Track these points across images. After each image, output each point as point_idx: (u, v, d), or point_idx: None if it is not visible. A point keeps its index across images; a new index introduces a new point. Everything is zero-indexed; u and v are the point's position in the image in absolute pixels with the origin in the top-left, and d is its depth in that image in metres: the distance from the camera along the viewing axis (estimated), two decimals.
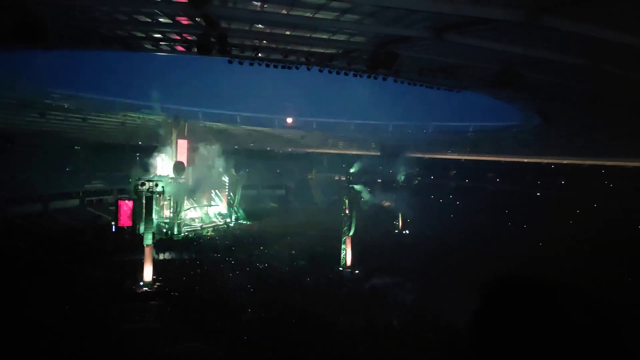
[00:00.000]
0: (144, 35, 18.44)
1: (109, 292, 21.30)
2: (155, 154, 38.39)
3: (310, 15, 13.08)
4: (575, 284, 1.06)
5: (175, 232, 35.29)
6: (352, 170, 47.42)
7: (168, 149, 38.54)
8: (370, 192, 46.49)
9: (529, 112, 28.64)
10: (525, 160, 47.45)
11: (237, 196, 43.19)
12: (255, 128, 49.22)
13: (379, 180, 49.43)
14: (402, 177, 43.83)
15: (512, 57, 14.18)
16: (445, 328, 16.81)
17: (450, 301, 20.36)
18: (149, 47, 19.93)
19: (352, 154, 58.11)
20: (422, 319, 19.04)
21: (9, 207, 32.86)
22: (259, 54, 19.98)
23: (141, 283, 23.02)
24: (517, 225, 39.11)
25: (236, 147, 47.63)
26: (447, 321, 17.50)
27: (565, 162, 43.45)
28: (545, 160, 45.66)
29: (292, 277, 25.40)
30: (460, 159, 54.91)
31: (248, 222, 42.71)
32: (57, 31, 15.65)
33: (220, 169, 42.83)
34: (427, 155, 53.54)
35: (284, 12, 13.01)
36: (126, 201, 32.48)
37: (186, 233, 36.78)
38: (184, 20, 15.51)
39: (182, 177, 37.50)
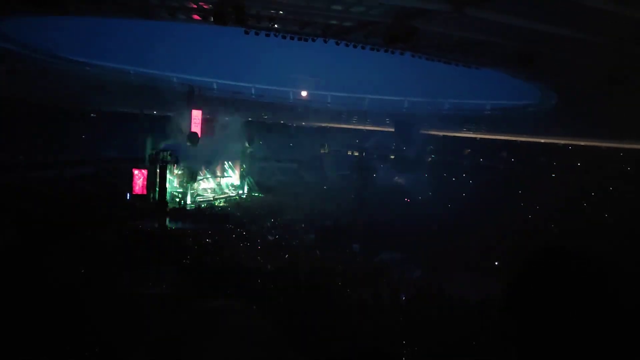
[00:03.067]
0: (159, 3, 18.34)
1: (122, 258, 21.79)
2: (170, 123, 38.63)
3: None
4: (602, 257, 1.03)
5: (188, 202, 35.71)
6: (365, 146, 47.32)
7: (183, 118, 38.71)
8: (382, 168, 46.47)
9: (547, 91, 28.14)
10: (542, 140, 46.77)
11: (249, 168, 43.41)
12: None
13: (392, 157, 49.28)
14: (415, 154, 43.60)
15: (533, 34, 13.86)
16: (452, 302, 17.01)
17: (457, 277, 20.57)
18: (165, 15, 19.83)
19: (366, 130, 57.86)
20: (429, 293, 19.25)
21: (25, 172, 33.45)
22: (275, 25, 19.78)
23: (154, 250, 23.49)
24: (530, 206, 38.88)
25: (250, 119, 47.62)
26: (454, 296, 17.69)
27: (582, 143, 42.69)
28: (562, 142, 44.92)
29: (302, 249, 25.72)
30: (475, 138, 54.34)
31: (260, 195, 43.01)
32: None
33: (234, 141, 43.00)
34: (441, 133, 53.03)
35: None
36: (141, 170, 32.88)
37: (199, 203, 37.22)
38: None
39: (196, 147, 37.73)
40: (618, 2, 9.82)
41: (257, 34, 20.91)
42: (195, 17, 20.18)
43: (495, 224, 31.87)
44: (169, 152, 30.06)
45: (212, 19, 17.04)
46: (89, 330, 12.80)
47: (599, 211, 32.12)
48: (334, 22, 18.86)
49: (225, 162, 44.54)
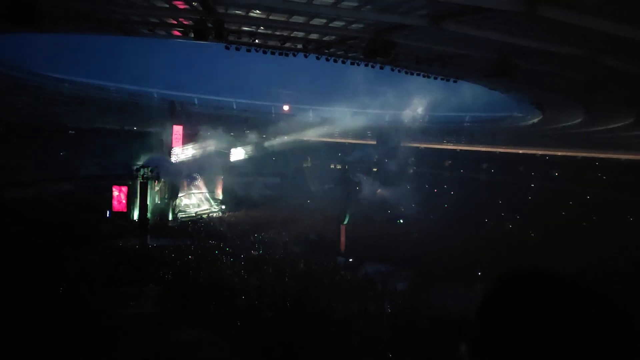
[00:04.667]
0: (139, 20, 18.27)
1: (103, 276, 21.34)
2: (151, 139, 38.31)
3: (308, 2, 12.99)
4: (577, 275, 1.04)
5: (170, 218, 35.27)
6: (347, 159, 47.51)
7: (164, 134, 38.44)
8: (365, 181, 46.62)
9: (525, 103, 28.71)
10: (520, 151, 47.63)
11: (232, 183, 43.17)
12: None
13: (375, 170, 49.50)
14: (398, 167, 43.92)
15: (509, 47, 14.18)
16: (436, 315, 17.02)
17: (441, 289, 20.62)
18: (145, 31, 19.76)
19: (348, 143, 58.12)
20: (413, 306, 19.26)
21: (2, 190, 32.67)
22: (256, 40, 19.85)
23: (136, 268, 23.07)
24: (510, 215, 39.42)
25: (232, 134, 47.45)
26: (438, 308, 17.73)
27: (559, 153, 43.66)
28: (540, 152, 45.84)
29: (286, 263, 25.55)
30: (456, 149, 55.04)
31: (242, 209, 42.74)
32: (50, 14, 15.46)
33: (216, 156, 42.77)
34: (422, 145, 53.60)
35: None
36: (121, 187, 32.41)
37: (181, 219, 36.79)
38: (181, 5, 15.36)
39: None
40: (592, 16, 10.12)
41: (237, 49, 20.96)
42: (176, 32, 20.16)
43: (478, 234, 32.21)
44: (149, 168, 29.72)
45: (192, 35, 17.02)
46: (65, 350, 12.47)
47: (578, 218, 32.71)
48: (314, 37, 19.01)
49: (207, 177, 44.25)
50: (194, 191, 42.99)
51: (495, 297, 1.08)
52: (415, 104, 41.97)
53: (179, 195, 38.83)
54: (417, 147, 52.84)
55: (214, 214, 41.01)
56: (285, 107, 56.57)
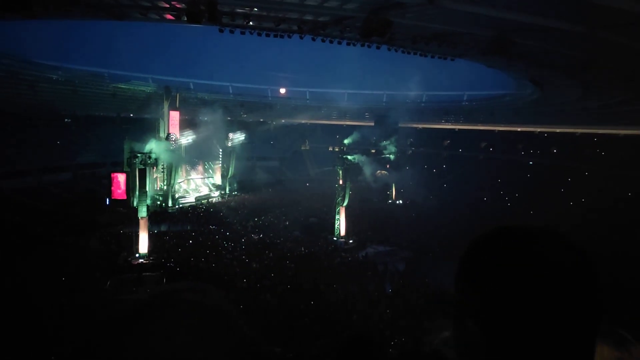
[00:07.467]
0: (131, 3, 17.99)
1: (104, 263, 21.45)
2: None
3: None
4: (567, 235, 1.02)
5: (170, 204, 35.26)
6: (345, 141, 47.32)
7: (161, 120, 38.20)
8: (363, 162, 46.57)
9: (523, 80, 28.52)
10: (519, 129, 47.53)
11: (230, 168, 43.08)
12: None
13: (373, 151, 49.39)
14: (396, 148, 43.76)
15: (506, 23, 14.01)
16: (436, 294, 17.17)
17: (440, 268, 20.75)
18: (137, 15, 19.48)
19: (346, 125, 57.97)
20: (413, 286, 19.41)
21: (0, 180, 32.61)
22: (250, 22, 19.60)
23: (137, 255, 23.15)
24: (509, 194, 39.48)
25: (229, 118, 47.19)
26: (438, 288, 17.87)
27: (558, 130, 43.59)
28: (538, 129, 45.75)
29: (287, 247, 25.66)
30: (454, 129, 54.88)
31: (242, 194, 42.76)
32: None
33: (214, 141, 42.60)
34: (420, 125, 53.43)
35: None
36: (119, 173, 32.30)
37: (180, 205, 36.81)
38: None
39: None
40: None
41: (232, 32, 20.68)
42: (168, 16, 19.87)
43: (476, 212, 32.29)
44: (148, 155, 29.56)
45: (185, 18, 16.80)
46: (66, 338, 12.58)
47: (576, 195, 32.79)
48: (309, 17, 18.74)
49: (206, 163, 44.17)
50: (193, 177, 42.98)
51: (467, 257, 1.08)
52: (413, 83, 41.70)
53: (178, 181, 38.79)
54: (416, 128, 52.68)
55: (214, 199, 41.03)
56: (282, 90, 56.26)
